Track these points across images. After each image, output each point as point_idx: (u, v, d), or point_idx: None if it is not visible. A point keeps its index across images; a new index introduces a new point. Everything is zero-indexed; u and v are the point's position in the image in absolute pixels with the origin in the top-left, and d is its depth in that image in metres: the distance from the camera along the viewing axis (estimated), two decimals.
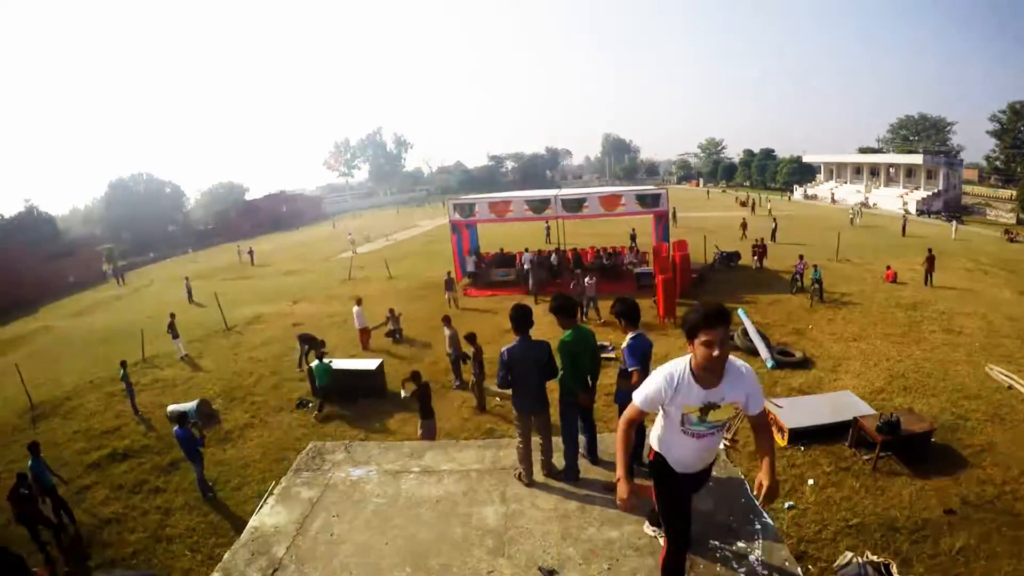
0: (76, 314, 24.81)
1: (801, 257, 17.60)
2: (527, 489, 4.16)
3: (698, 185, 78.13)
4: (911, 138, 64.31)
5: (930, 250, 18.01)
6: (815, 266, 16.58)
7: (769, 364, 11.32)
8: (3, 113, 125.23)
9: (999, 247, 26.68)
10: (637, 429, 4.28)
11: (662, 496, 2.98)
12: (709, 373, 2.54)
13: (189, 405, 10.51)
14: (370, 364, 11.48)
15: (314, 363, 10.78)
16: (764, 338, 12.21)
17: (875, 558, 5.60)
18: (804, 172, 61.41)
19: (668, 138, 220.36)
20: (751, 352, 11.88)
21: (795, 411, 8.75)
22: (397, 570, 3.42)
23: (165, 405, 11.24)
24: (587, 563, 3.36)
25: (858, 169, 53.72)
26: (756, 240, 22.41)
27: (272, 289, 23.91)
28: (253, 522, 4.00)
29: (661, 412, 2.82)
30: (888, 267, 19.01)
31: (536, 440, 4.30)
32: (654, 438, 2.98)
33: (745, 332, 12.43)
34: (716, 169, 78.26)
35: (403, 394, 8.43)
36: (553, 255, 21.42)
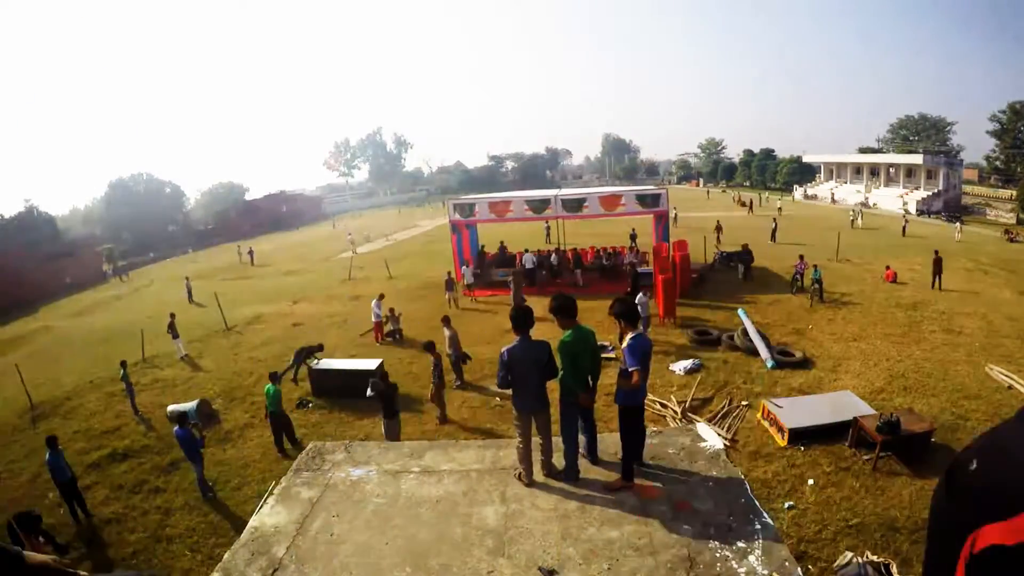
0: (76, 314, 24.83)
1: (801, 257, 17.60)
2: (527, 489, 4.16)
3: (698, 185, 78.18)
4: (911, 138, 64.35)
5: (937, 252, 17.75)
6: (815, 266, 16.60)
7: (769, 364, 11.31)
8: (3, 113, 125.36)
9: (999, 247, 26.70)
10: (637, 429, 4.33)
11: None
12: None
13: (189, 405, 10.52)
14: (370, 364, 11.48)
15: (267, 386, 9.51)
16: (764, 338, 12.21)
17: (875, 558, 5.61)
18: (804, 172, 61.48)
19: (668, 138, 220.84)
20: (751, 352, 11.89)
21: (795, 411, 8.76)
22: (397, 570, 3.41)
23: (165, 405, 11.25)
24: (587, 563, 3.36)
25: (858, 169, 53.78)
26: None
27: (272, 289, 23.93)
28: (253, 522, 3.99)
29: None
30: (888, 267, 19.03)
31: (536, 440, 4.30)
32: None
33: (745, 332, 12.42)
34: (716, 169, 78.32)
35: (369, 392, 8.32)
36: (553, 255, 21.43)
